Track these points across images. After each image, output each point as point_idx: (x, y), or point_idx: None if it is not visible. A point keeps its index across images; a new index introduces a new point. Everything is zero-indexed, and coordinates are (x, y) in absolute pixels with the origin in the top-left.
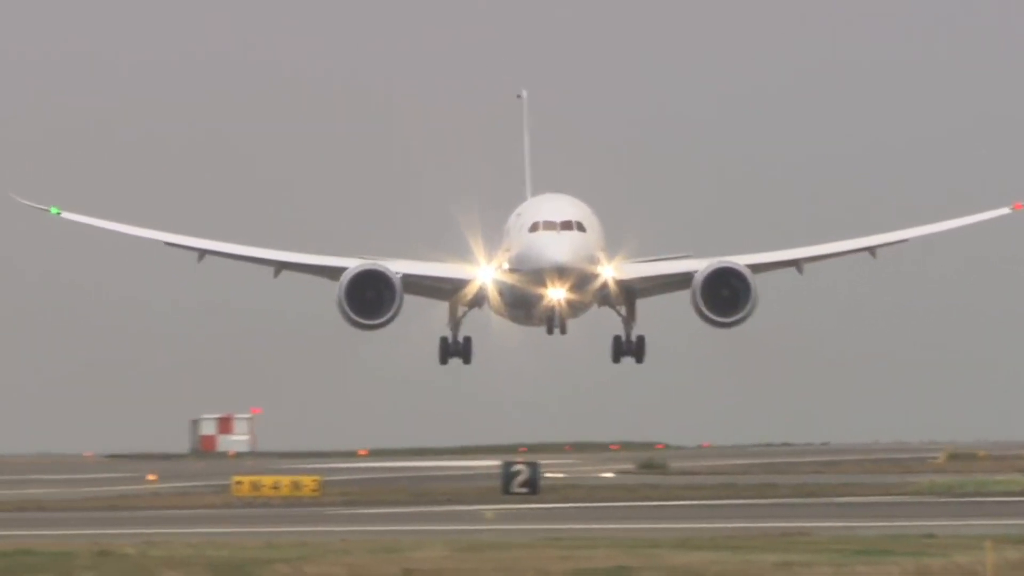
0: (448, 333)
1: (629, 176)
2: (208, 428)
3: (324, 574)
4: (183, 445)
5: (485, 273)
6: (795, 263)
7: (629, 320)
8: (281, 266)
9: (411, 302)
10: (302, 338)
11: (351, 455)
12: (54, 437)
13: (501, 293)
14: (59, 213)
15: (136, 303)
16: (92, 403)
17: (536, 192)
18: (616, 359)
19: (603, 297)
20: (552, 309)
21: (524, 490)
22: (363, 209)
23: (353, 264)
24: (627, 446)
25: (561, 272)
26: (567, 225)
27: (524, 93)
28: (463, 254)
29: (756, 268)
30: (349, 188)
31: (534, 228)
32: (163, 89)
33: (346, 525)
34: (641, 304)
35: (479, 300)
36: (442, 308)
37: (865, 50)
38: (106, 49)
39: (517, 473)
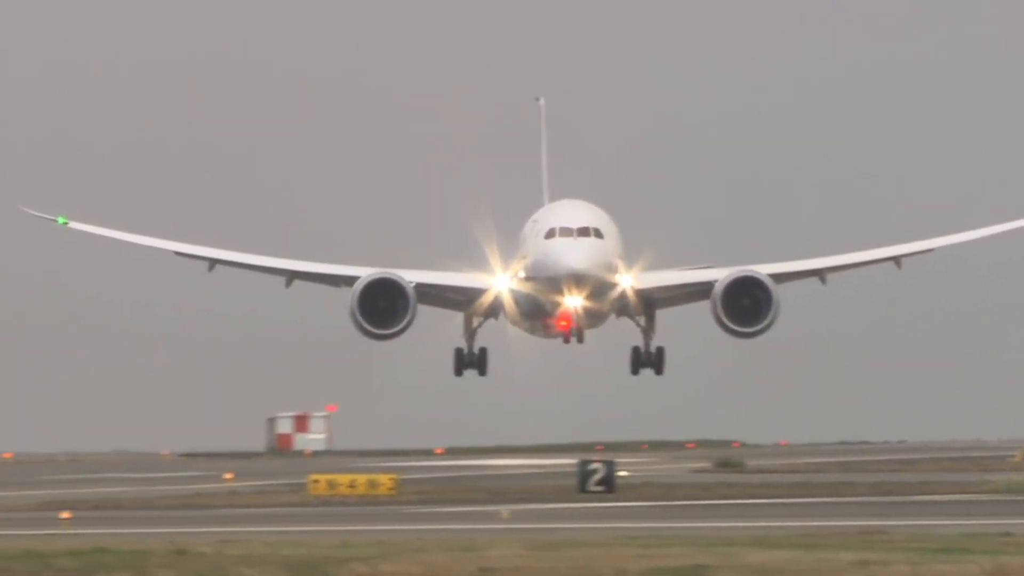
0: (463, 344)
1: (648, 183)
2: (284, 426)
3: (400, 572)
4: (260, 443)
5: (501, 282)
6: (818, 272)
7: (648, 331)
8: (293, 275)
9: (425, 312)
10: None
11: (428, 453)
12: (131, 436)
13: (517, 302)
14: (66, 223)
15: (193, 309)
16: (169, 402)
17: (553, 199)
18: (635, 371)
19: (621, 307)
20: (569, 318)
21: (600, 488)
22: (376, 217)
23: (366, 273)
24: (704, 444)
25: (578, 279)
26: (584, 231)
27: (542, 99)
28: (478, 263)
29: (778, 278)
30: (362, 196)
31: (550, 235)
32: (166, 92)
33: (422, 524)
34: (661, 315)
35: (495, 310)
36: (457, 318)
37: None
38: (107, 50)
39: (594, 471)
